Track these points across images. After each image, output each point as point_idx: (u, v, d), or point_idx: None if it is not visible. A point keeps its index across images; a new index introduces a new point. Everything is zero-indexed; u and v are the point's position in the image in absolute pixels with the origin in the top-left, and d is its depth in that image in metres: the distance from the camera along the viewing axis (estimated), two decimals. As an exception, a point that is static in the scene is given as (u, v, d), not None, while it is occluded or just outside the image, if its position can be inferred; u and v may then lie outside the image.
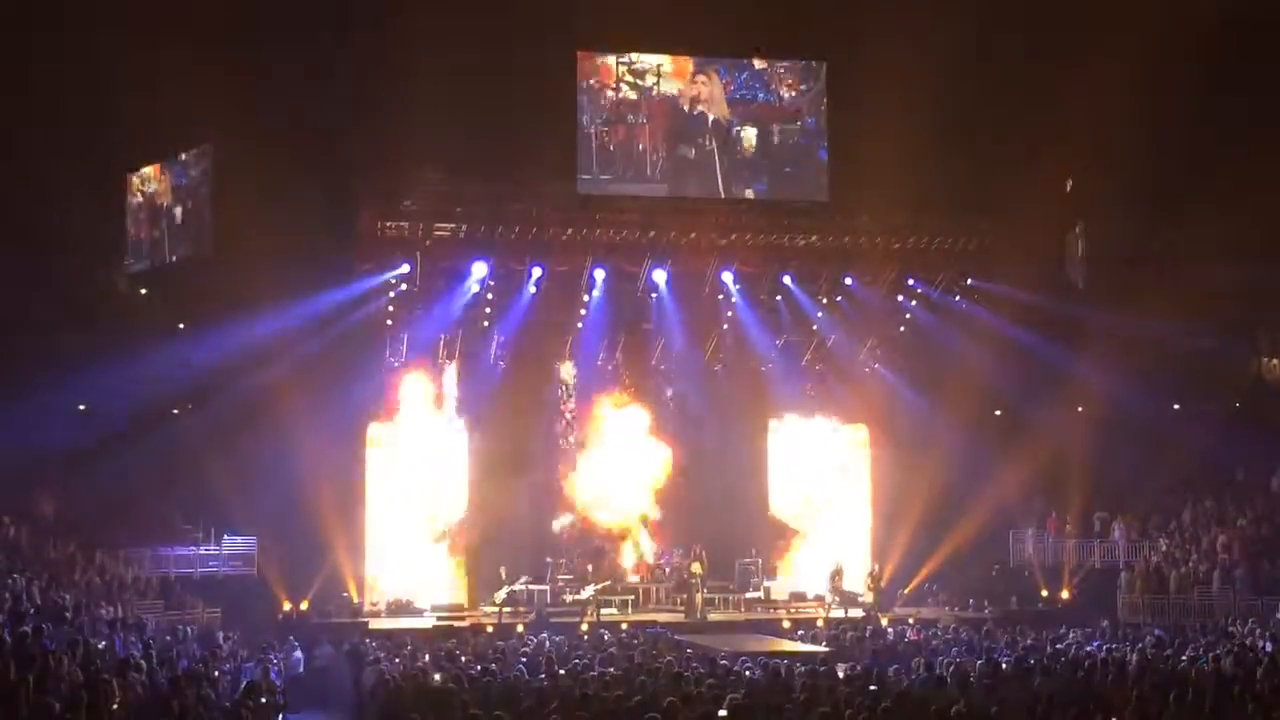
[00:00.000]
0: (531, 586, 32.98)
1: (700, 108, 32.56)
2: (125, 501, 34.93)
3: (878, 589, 33.33)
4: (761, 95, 32.93)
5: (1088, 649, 22.34)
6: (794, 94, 33.07)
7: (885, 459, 36.52)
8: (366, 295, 33.18)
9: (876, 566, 34.29)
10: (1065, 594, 33.92)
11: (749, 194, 32.94)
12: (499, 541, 34.05)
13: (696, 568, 32.57)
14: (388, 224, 32.15)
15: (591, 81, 32.27)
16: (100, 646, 20.43)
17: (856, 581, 33.52)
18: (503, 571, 32.17)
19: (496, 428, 35.10)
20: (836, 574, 33.06)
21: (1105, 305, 34.71)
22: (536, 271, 33.45)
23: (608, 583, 33.13)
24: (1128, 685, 17.66)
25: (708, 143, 32.52)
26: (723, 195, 32.66)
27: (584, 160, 32.09)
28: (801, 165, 32.98)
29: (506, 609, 31.51)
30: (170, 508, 35.14)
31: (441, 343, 34.74)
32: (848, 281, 34.77)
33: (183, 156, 34.18)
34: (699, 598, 32.31)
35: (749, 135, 32.71)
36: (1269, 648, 22.79)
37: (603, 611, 31.79)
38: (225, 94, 29.24)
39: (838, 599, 32.55)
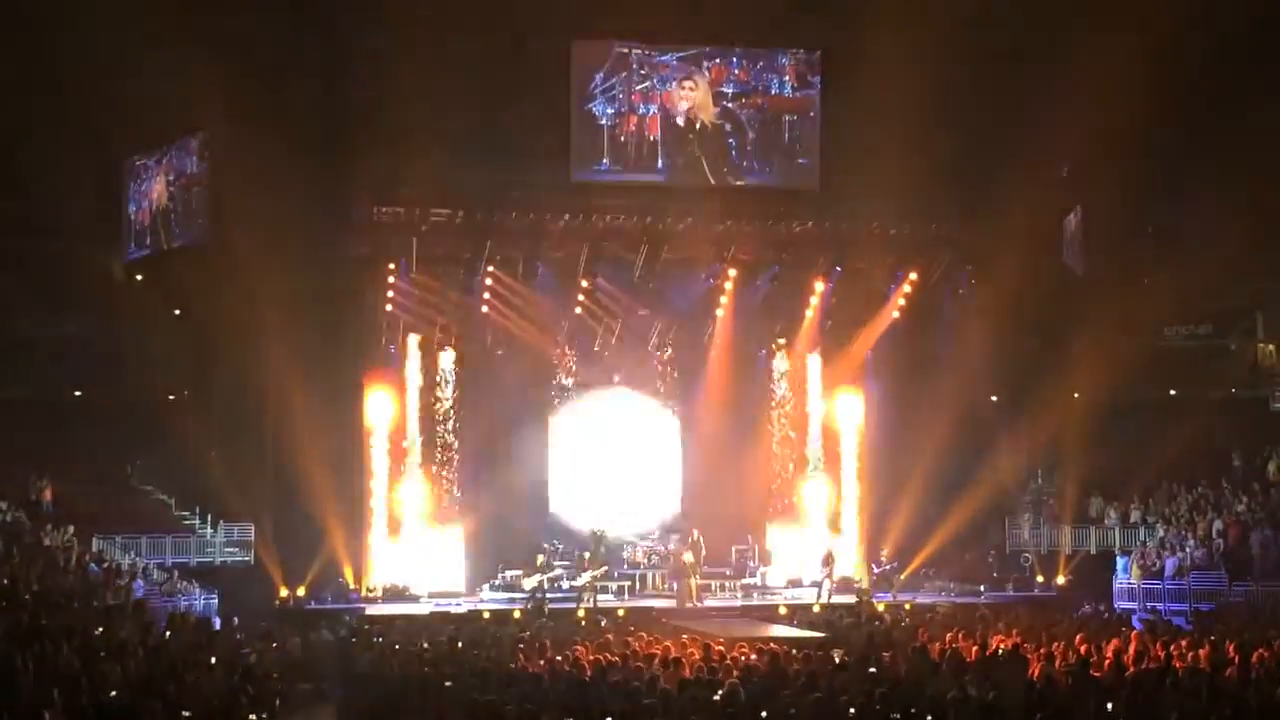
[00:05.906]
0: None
1: (690, 114, 32.57)
2: (122, 488, 35.02)
3: (883, 575, 33.40)
4: (757, 83, 32.91)
5: (1082, 635, 22.34)
6: (789, 82, 33.05)
7: (882, 444, 36.49)
8: (364, 281, 33.24)
9: (884, 553, 34.35)
10: (1060, 579, 34.00)
11: (743, 182, 32.95)
12: (496, 528, 34.14)
13: (688, 556, 32.45)
14: (383, 209, 32.16)
15: (588, 70, 32.25)
16: (98, 633, 20.46)
17: (848, 566, 33.52)
18: (539, 558, 32.01)
19: (494, 413, 35.19)
20: (828, 558, 32.91)
21: (1103, 290, 34.72)
22: (535, 258, 33.47)
23: (604, 568, 33.07)
24: (1123, 671, 17.69)
25: (696, 148, 32.56)
26: (713, 184, 32.69)
27: (579, 148, 32.10)
28: (797, 153, 32.99)
29: (524, 594, 31.40)
30: (167, 494, 35.19)
31: (438, 328, 34.71)
32: (842, 268, 34.80)
33: (179, 143, 34.07)
34: (691, 583, 32.20)
35: (744, 124, 32.75)
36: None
37: (599, 598, 31.81)
38: (222, 80, 29.17)
39: (830, 584, 32.39)
